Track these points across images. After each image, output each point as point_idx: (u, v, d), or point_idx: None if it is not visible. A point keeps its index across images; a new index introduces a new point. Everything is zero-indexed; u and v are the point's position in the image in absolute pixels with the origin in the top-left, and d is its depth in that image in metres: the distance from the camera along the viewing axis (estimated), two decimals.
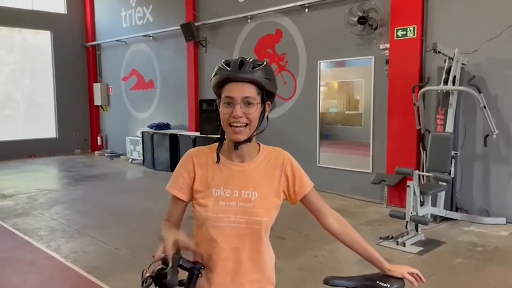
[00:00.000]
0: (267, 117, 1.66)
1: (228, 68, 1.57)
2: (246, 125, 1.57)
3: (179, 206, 1.68)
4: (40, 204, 7.61)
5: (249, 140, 1.61)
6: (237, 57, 1.61)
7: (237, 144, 1.59)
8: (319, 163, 8.59)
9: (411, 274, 1.70)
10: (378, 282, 1.68)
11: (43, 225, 6.29)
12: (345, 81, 8.39)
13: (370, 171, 7.67)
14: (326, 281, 1.71)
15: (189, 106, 11.18)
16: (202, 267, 1.63)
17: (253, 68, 1.57)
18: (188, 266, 1.61)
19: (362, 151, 7.98)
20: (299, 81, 8.82)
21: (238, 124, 1.55)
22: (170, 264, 1.50)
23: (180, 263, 1.58)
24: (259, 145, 1.72)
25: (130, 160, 12.60)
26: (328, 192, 8.04)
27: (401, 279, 1.70)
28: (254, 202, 1.61)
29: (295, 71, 8.86)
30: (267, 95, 1.62)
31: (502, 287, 4.17)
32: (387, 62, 7.22)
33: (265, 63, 1.63)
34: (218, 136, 1.68)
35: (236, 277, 1.63)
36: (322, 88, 8.57)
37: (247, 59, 1.60)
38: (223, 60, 1.62)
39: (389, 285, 1.67)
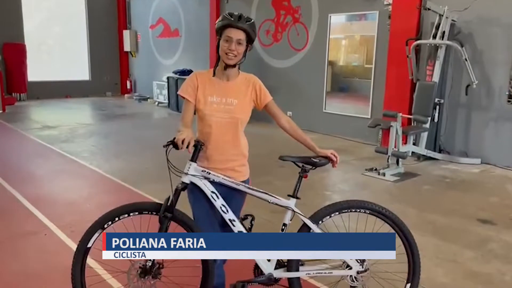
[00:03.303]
0: (245, 55, 2.59)
1: (231, 18, 2.49)
2: (235, 56, 2.53)
3: (189, 106, 2.66)
4: (80, 134, 8.87)
5: (234, 66, 2.57)
6: (237, 12, 2.53)
7: (227, 66, 2.55)
8: (325, 109, 9.51)
9: (333, 154, 2.71)
10: (311, 158, 2.69)
11: (85, 149, 7.53)
12: (363, 35, 8.94)
13: (369, 117, 8.56)
14: (280, 158, 2.72)
15: (210, 53, 12.08)
16: (203, 144, 2.66)
17: (246, 22, 2.51)
18: (193, 143, 2.64)
19: (365, 101, 8.81)
20: (311, 33, 9.58)
21: (231, 55, 2.51)
22: None
23: None
24: (239, 72, 2.67)
25: (156, 103, 13.78)
26: (331, 135, 9.03)
27: (327, 158, 2.70)
28: (235, 106, 2.60)
29: (308, 23, 9.60)
30: (250, 40, 2.56)
31: (452, 203, 5.16)
32: (389, 17, 7.92)
33: (252, 20, 2.57)
34: None
35: (222, 152, 2.64)
36: (343, 42, 9.28)
37: (243, 14, 2.52)
38: (227, 12, 2.55)
39: (318, 160, 2.67)
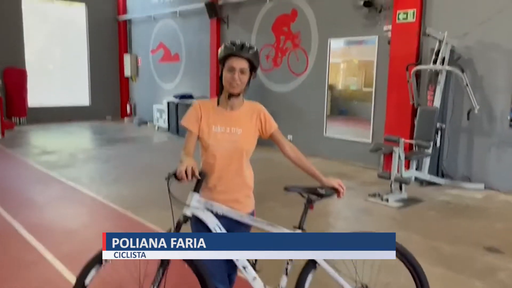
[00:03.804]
0: (249, 83, 2.57)
1: (234, 47, 2.47)
2: (239, 85, 2.50)
3: (192, 137, 2.61)
4: (80, 159, 8.81)
5: (238, 94, 2.54)
6: (239, 41, 2.51)
7: (230, 96, 2.52)
8: (326, 133, 9.48)
9: (339, 185, 2.65)
10: (317, 189, 2.64)
11: (84, 175, 7.46)
12: (362, 60, 8.96)
13: (370, 141, 8.53)
14: (286, 188, 2.67)
15: (211, 78, 12.15)
16: (205, 175, 2.60)
17: (249, 51, 2.49)
18: (198, 171, 2.59)
19: (366, 125, 8.80)
20: (310, 58, 9.64)
21: (235, 84, 2.48)
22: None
23: None
24: (243, 100, 2.64)
25: (156, 127, 13.77)
26: (332, 159, 8.98)
27: (333, 188, 2.64)
28: (239, 135, 2.56)
29: (308, 48, 9.67)
30: (253, 69, 2.55)
31: (457, 230, 5.08)
32: (389, 42, 7.99)
33: (255, 48, 2.55)
34: None
35: (226, 182, 2.59)
36: (342, 66, 9.32)
37: (246, 43, 2.50)
38: (230, 41, 2.53)
39: (324, 191, 2.62)
